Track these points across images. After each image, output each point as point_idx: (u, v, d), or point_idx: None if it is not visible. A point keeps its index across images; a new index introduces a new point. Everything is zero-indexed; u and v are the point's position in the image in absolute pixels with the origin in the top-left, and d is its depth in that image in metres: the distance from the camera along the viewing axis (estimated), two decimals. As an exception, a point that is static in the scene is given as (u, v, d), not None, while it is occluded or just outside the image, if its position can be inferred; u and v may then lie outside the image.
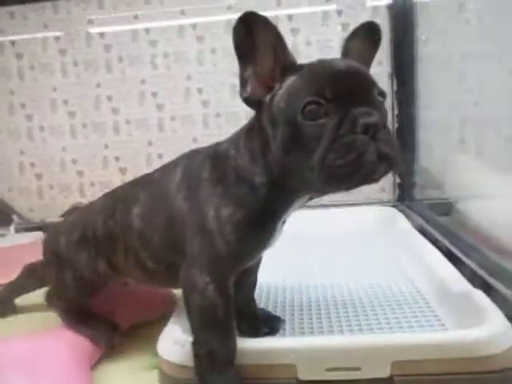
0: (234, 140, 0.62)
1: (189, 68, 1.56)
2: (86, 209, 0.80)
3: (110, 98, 1.59)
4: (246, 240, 0.59)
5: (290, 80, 0.53)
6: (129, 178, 1.59)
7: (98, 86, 1.59)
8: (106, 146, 1.63)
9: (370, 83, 0.52)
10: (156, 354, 0.65)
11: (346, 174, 0.48)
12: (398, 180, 1.51)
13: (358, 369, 0.57)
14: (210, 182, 0.60)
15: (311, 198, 0.60)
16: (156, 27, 1.55)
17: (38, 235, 1.62)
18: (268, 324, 0.73)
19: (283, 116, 0.52)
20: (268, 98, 0.55)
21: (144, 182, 0.71)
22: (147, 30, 1.55)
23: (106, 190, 0.78)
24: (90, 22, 1.56)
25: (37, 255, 1.39)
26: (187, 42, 1.55)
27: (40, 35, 1.59)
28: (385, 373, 0.57)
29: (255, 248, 0.62)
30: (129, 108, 1.60)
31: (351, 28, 0.60)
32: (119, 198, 0.72)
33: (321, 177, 0.49)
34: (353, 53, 0.59)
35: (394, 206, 1.40)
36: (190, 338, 0.61)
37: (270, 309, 0.80)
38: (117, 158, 1.63)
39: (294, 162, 0.52)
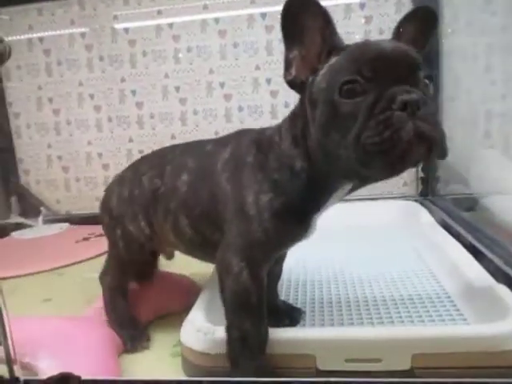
0: (279, 126, 0.62)
1: (211, 62, 1.57)
2: (135, 165, 0.81)
3: (134, 93, 1.62)
4: (283, 228, 0.59)
5: (333, 60, 0.52)
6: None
7: (123, 80, 1.62)
8: (131, 140, 1.66)
9: (414, 64, 0.50)
10: (177, 343, 0.67)
11: (381, 152, 0.46)
12: (421, 174, 1.49)
13: (378, 360, 0.58)
14: (252, 167, 0.61)
15: (351, 190, 0.59)
16: (179, 22, 1.56)
17: (65, 226, 1.67)
18: (289, 315, 0.74)
19: (322, 96, 0.52)
20: (310, 79, 0.54)
21: (195, 152, 0.72)
22: (170, 25, 1.57)
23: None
24: (115, 17, 1.59)
25: (63, 245, 1.45)
26: (210, 37, 1.56)
27: (67, 31, 1.62)
28: (405, 365, 0.57)
29: (291, 238, 0.62)
30: (152, 102, 1.63)
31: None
32: (169, 160, 0.73)
33: (357, 156, 0.47)
34: (405, 36, 0.57)
35: (416, 201, 1.39)
36: (213, 326, 0.63)
37: (291, 300, 0.81)
38: (141, 152, 1.66)
39: (331, 143, 0.51)
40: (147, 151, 1.63)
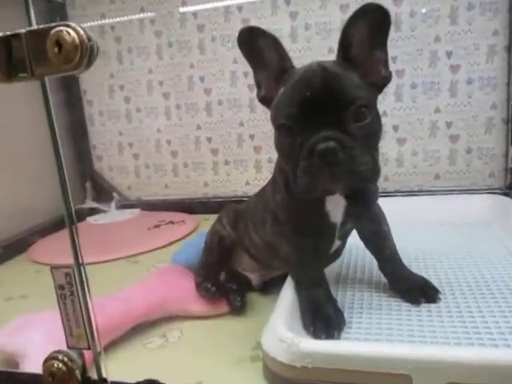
0: None
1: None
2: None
3: (202, 79, 1.60)
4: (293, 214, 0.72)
5: (280, 91, 0.62)
6: (221, 159, 1.65)
7: (192, 66, 1.60)
8: (199, 127, 1.65)
9: (340, 105, 0.56)
10: (256, 346, 0.64)
11: (305, 190, 0.59)
12: (510, 164, 1.36)
13: (485, 387, 0.52)
14: (273, 181, 0.77)
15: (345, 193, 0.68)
16: (248, 4, 1.51)
17: (136, 212, 1.71)
18: (423, 291, 0.75)
19: (274, 126, 0.63)
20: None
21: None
22: (240, 8, 1.52)
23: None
24: (184, 2, 1.57)
25: (136, 232, 1.48)
26: (281, 19, 1.49)
27: (136, 17, 1.62)
28: (517, 395, 0.51)
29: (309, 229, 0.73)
30: (221, 88, 1.60)
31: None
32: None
33: (294, 184, 0.60)
34: (354, 40, 0.61)
35: (505, 194, 1.27)
36: (296, 337, 0.60)
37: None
38: (209, 139, 1.65)
39: (285, 166, 0.64)
40: (215, 138, 1.65)
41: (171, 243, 1.36)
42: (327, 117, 0.56)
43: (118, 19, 1.64)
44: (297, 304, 0.73)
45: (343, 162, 0.55)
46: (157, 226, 1.51)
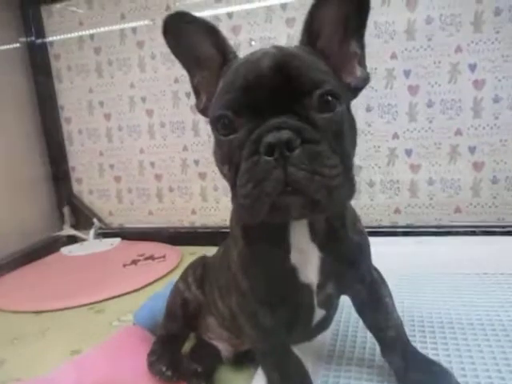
0: None
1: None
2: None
3: (188, 95, 1.42)
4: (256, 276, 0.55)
5: (220, 84, 0.47)
6: (209, 184, 1.46)
7: (176, 81, 1.42)
8: (185, 148, 1.47)
9: (298, 88, 0.41)
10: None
11: (249, 206, 0.41)
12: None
13: None
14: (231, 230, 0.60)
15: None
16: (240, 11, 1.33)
17: (116, 242, 1.54)
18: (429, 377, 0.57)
19: (211, 126, 0.47)
20: None
21: None
22: (230, 15, 1.34)
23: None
24: (168, 8, 1.39)
25: (110, 269, 1.30)
26: (276, 27, 1.31)
27: (117, 28, 1.45)
28: None
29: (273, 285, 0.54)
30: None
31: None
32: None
33: (234, 203, 0.45)
34: (322, 25, 0.47)
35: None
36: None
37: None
38: (196, 162, 1.47)
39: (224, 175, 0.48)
40: (203, 161, 1.46)
41: (146, 285, 1.18)
42: (281, 103, 0.41)
43: (97, 29, 1.48)
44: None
45: (303, 161, 0.39)
46: (134, 262, 1.33)
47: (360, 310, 0.65)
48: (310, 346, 0.70)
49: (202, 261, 0.77)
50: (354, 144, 0.48)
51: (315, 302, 0.57)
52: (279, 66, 0.42)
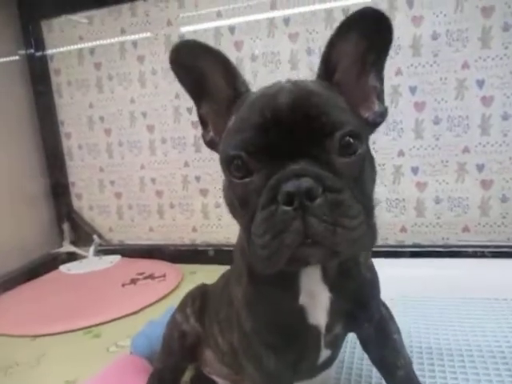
0: None
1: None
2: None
3: (190, 110, 1.39)
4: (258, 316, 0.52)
5: (232, 120, 0.44)
6: (211, 201, 1.43)
7: (177, 96, 1.40)
8: (187, 164, 1.44)
9: (318, 129, 0.39)
10: None
11: (266, 258, 0.39)
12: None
13: None
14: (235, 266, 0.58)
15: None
16: (241, 23, 1.31)
17: (116, 259, 1.51)
18: None
19: (222, 166, 0.44)
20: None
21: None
22: (231, 29, 1.32)
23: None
24: (169, 23, 1.37)
25: (108, 289, 1.27)
26: (279, 42, 1.28)
27: (117, 40, 1.44)
28: None
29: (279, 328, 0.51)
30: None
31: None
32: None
33: (249, 251, 0.41)
34: (341, 58, 0.44)
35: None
36: None
37: None
38: (197, 178, 1.44)
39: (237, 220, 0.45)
40: (205, 177, 1.44)
41: (145, 307, 1.15)
42: (300, 145, 0.38)
43: (97, 42, 1.46)
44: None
45: (324, 211, 0.37)
46: (133, 282, 1.30)
47: (366, 346, 0.62)
48: (313, 381, 0.67)
49: (202, 290, 0.74)
50: (374, 184, 0.45)
51: (322, 343, 0.54)
52: (298, 103, 0.39)
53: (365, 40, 0.43)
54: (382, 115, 0.48)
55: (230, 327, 0.60)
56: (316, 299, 0.50)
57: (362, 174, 0.42)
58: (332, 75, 0.45)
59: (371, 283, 0.54)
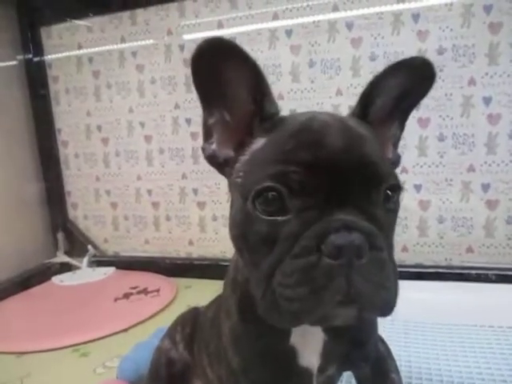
0: None
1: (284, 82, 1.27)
2: None
3: (188, 121, 1.37)
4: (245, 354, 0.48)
5: (258, 143, 0.40)
6: (208, 214, 1.40)
7: (177, 107, 1.37)
8: (184, 176, 1.41)
9: (373, 177, 0.36)
10: None
11: (294, 311, 0.34)
12: None
13: None
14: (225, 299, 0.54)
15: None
16: (243, 34, 1.28)
17: (109, 271, 1.47)
18: None
19: (237, 194, 0.40)
20: (235, 158, 0.42)
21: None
22: (232, 39, 1.28)
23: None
24: (169, 32, 1.35)
25: (99, 303, 1.24)
26: (280, 54, 1.26)
27: (116, 47, 1.41)
28: None
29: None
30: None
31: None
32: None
33: (264, 300, 0.37)
34: (379, 99, 0.43)
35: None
36: None
37: None
38: (195, 191, 1.41)
39: (245, 264, 0.41)
40: (202, 189, 1.41)
41: (137, 324, 1.11)
42: (347, 194, 0.35)
43: (96, 48, 1.43)
44: None
45: (370, 271, 0.33)
46: (126, 296, 1.27)
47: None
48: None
49: (193, 314, 0.71)
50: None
51: None
52: (353, 148, 0.36)
53: (407, 85, 0.43)
54: (395, 163, 0.47)
55: (219, 362, 0.56)
56: (308, 340, 0.46)
57: (394, 227, 0.39)
58: (367, 115, 0.43)
59: (370, 321, 0.50)
